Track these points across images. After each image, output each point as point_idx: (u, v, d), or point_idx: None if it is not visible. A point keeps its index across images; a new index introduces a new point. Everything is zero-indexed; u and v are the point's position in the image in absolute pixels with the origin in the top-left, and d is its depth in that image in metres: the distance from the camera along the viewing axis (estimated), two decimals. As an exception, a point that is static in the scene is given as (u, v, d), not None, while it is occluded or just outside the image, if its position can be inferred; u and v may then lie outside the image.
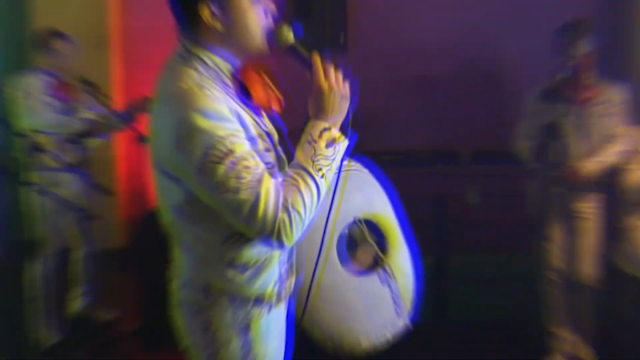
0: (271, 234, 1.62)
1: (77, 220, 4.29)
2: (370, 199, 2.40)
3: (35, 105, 4.12)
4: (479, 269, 4.65)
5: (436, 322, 4.47)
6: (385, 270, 2.36)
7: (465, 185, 4.51)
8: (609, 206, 3.93)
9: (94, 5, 5.61)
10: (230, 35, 1.74)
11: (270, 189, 1.60)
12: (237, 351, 1.82)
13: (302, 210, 1.64)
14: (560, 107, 3.68)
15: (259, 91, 1.81)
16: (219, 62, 1.76)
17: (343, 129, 1.78)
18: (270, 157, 1.76)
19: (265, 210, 1.59)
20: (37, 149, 3.33)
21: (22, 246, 3.84)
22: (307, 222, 1.68)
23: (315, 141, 1.71)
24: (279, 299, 1.89)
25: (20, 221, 4.07)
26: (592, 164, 3.68)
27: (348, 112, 1.79)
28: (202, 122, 1.57)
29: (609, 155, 3.71)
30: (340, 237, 2.35)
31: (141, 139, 4.28)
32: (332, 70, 1.74)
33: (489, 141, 4.50)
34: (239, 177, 1.57)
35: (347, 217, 2.31)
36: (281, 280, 1.90)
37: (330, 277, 2.29)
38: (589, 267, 3.85)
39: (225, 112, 1.62)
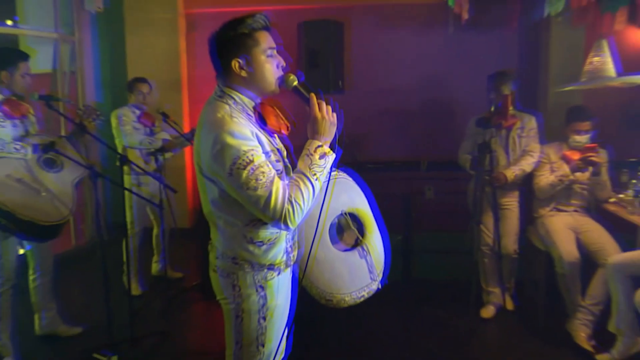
0: (279, 219, 1.65)
1: (154, 209, 4.30)
2: (353, 198, 2.37)
3: (128, 130, 4.14)
4: (434, 243, 4.60)
5: (404, 281, 4.42)
6: (363, 248, 2.33)
7: (424, 185, 4.48)
8: (526, 200, 3.89)
9: (171, 59, 5.60)
10: (252, 80, 1.77)
11: (279, 188, 1.64)
12: (256, 302, 1.83)
13: (302, 203, 1.67)
14: (490, 131, 3.63)
15: (272, 120, 1.82)
16: (244, 99, 1.78)
17: (332, 146, 1.79)
18: (280, 166, 1.78)
19: (275, 203, 1.62)
20: (127, 160, 3.32)
21: (119, 225, 3.85)
22: (305, 211, 1.71)
23: (311, 154, 1.72)
24: (286, 266, 1.90)
25: (118, 209, 4.09)
26: (513, 171, 3.64)
27: (335, 134, 1.80)
28: (231, 140, 1.62)
29: (525, 165, 3.66)
30: (332, 225, 2.33)
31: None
32: (324, 105, 1.76)
33: (440, 154, 4.45)
34: (257, 179, 1.61)
35: (336, 210, 2.29)
36: (287, 253, 1.90)
37: (324, 253, 2.26)
38: (511, 243, 3.80)
39: (248, 133, 1.65)
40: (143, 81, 4.30)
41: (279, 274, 1.87)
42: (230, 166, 1.62)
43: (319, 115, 1.74)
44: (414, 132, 5.24)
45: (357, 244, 2.35)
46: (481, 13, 5.01)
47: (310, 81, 5.19)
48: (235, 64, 1.75)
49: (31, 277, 3.46)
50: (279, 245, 1.85)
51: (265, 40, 1.77)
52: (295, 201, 1.66)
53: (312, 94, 1.76)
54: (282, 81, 1.80)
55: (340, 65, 4.98)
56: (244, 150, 1.62)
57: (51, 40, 5.08)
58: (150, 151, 4.15)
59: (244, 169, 1.61)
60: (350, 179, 2.45)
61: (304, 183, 1.69)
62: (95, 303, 3.68)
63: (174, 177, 4.78)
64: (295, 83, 1.79)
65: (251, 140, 1.66)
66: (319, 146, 1.73)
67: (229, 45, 1.75)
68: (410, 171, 4.56)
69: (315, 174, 1.71)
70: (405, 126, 5.26)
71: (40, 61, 5.00)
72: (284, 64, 1.82)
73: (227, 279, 1.85)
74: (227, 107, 1.72)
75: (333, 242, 2.33)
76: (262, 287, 1.84)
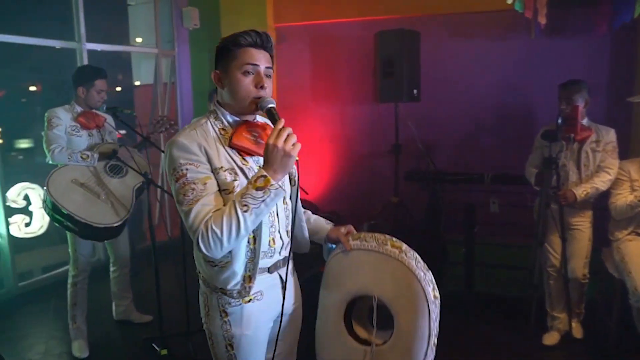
0: (194, 239, 1.42)
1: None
2: (400, 292, 1.64)
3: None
4: (496, 257, 3.99)
5: (465, 293, 3.87)
6: (372, 351, 1.72)
7: (488, 198, 3.89)
8: (601, 221, 3.20)
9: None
10: (229, 96, 1.54)
11: (201, 209, 1.41)
12: (219, 327, 1.60)
13: (218, 232, 1.38)
14: (558, 144, 3.02)
15: (243, 138, 1.52)
16: (226, 115, 1.56)
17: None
18: (234, 185, 1.48)
19: (193, 222, 1.41)
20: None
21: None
22: (227, 242, 1.40)
23: (250, 184, 1.40)
24: (240, 296, 1.57)
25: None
26: (584, 189, 2.98)
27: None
28: (173, 150, 1.46)
29: (599, 183, 2.99)
30: (357, 305, 1.78)
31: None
32: (284, 134, 1.40)
33: (508, 167, 3.85)
34: (184, 194, 1.43)
35: (365, 287, 1.71)
36: (241, 282, 1.56)
37: (329, 327, 1.80)
38: (580, 267, 3.13)
39: (193, 147, 1.46)
40: (222, 91, 4.19)
41: (238, 303, 1.57)
42: (169, 174, 1.48)
43: (271, 141, 1.40)
44: (482, 143, 4.60)
45: (368, 342, 1.75)
46: (564, 17, 4.29)
47: (386, 90, 4.76)
48: (214, 75, 1.57)
49: (111, 269, 3.50)
50: (229, 271, 1.54)
51: (246, 57, 1.51)
52: (212, 227, 1.38)
53: (281, 120, 1.44)
54: (260, 102, 1.51)
55: (415, 75, 4.50)
56: (180, 163, 1.45)
57: (153, 56, 5.20)
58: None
59: (176, 181, 1.45)
60: (423, 274, 1.63)
61: (229, 212, 1.39)
62: (173, 293, 3.66)
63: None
64: (271, 105, 1.49)
65: (192, 155, 1.45)
66: (263, 176, 1.39)
67: (216, 58, 1.59)
68: (474, 183, 3.98)
69: (246, 206, 1.38)
70: (471, 138, 4.64)
71: (145, 74, 5.13)
72: (264, 85, 1.51)
73: (201, 298, 1.65)
74: (203, 120, 1.55)
75: (348, 320, 1.79)
76: (224, 313, 1.58)
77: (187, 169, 1.44)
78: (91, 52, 4.36)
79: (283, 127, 1.41)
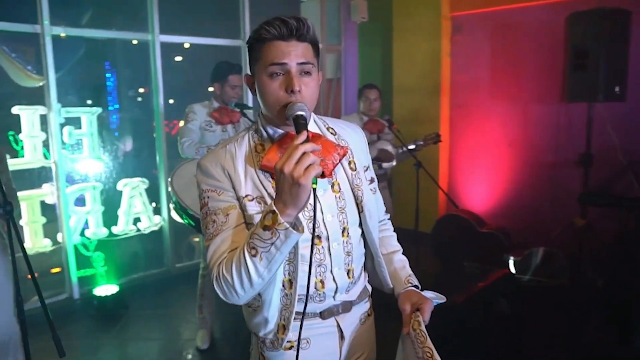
0: (212, 278, 1.20)
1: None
2: None
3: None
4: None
5: (620, 346, 2.95)
6: None
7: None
8: None
9: (432, 65, 5.00)
10: (262, 103, 1.26)
11: (219, 246, 1.20)
12: None
13: (229, 278, 1.15)
14: None
15: (275, 159, 1.20)
16: (264, 128, 1.30)
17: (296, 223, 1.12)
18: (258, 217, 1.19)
19: (210, 260, 1.21)
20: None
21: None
22: (241, 290, 1.15)
23: (260, 220, 1.12)
24: (273, 346, 1.32)
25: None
26: None
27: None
28: (197, 174, 1.29)
29: None
30: None
31: (418, 165, 3.67)
32: (296, 154, 1.05)
33: None
34: (206, 226, 1.25)
35: None
36: (274, 332, 1.31)
37: None
38: None
39: (216, 172, 1.25)
40: (371, 87, 3.89)
41: (273, 349, 1.33)
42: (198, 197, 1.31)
43: (278, 166, 1.07)
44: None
45: None
46: None
47: (576, 86, 3.93)
48: (246, 79, 1.30)
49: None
50: (261, 316, 1.29)
51: (270, 56, 1.19)
52: (223, 270, 1.16)
53: (300, 135, 1.08)
54: (287, 108, 1.18)
55: (618, 67, 3.54)
56: (202, 189, 1.27)
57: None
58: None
59: (201, 209, 1.27)
60: None
61: (239, 255, 1.14)
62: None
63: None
64: (299, 113, 1.14)
65: (214, 180, 1.24)
66: (272, 212, 1.08)
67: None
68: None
69: (254, 249, 1.12)
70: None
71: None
72: (296, 89, 1.17)
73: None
74: (243, 132, 1.33)
75: None
76: (264, 357, 1.36)
77: (208, 197, 1.24)
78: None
79: (298, 144, 1.07)
